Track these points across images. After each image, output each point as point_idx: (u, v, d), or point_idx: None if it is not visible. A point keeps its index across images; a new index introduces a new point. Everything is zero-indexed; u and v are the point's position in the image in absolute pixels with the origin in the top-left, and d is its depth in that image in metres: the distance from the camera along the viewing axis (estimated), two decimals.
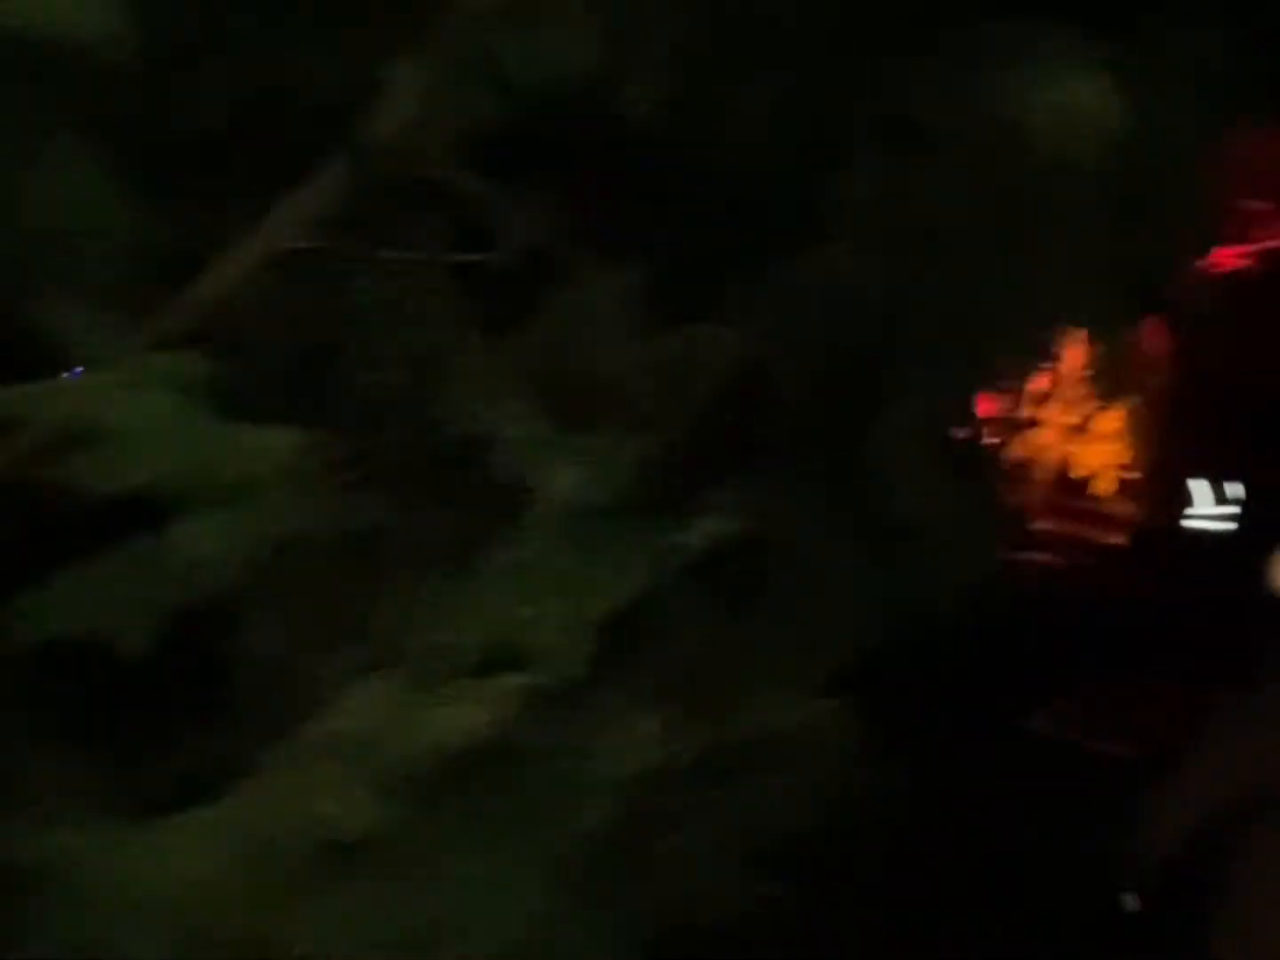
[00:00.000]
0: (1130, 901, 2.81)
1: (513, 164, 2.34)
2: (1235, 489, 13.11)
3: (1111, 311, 2.86)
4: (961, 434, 3.82)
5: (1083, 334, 14.48)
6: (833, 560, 2.96)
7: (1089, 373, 14.82)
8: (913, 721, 5.00)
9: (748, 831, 2.60)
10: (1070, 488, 15.19)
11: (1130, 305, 2.99)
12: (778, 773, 2.52)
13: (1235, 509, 12.74)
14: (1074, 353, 15.19)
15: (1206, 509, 13.42)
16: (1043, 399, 14.95)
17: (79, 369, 2.00)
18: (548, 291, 2.40)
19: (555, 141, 2.40)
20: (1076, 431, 14.94)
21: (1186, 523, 13.29)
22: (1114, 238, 2.69)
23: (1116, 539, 13.30)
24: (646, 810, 2.23)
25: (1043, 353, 4.04)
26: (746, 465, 2.79)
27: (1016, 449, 15.11)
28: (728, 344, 2.68)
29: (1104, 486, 14.67)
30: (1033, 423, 14.93)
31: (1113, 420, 14.76)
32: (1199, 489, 13.23)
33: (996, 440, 15.00)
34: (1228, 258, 13.91)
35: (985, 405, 15.34)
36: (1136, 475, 14.30)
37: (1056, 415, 15.08)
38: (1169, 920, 3.02)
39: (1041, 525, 14.23)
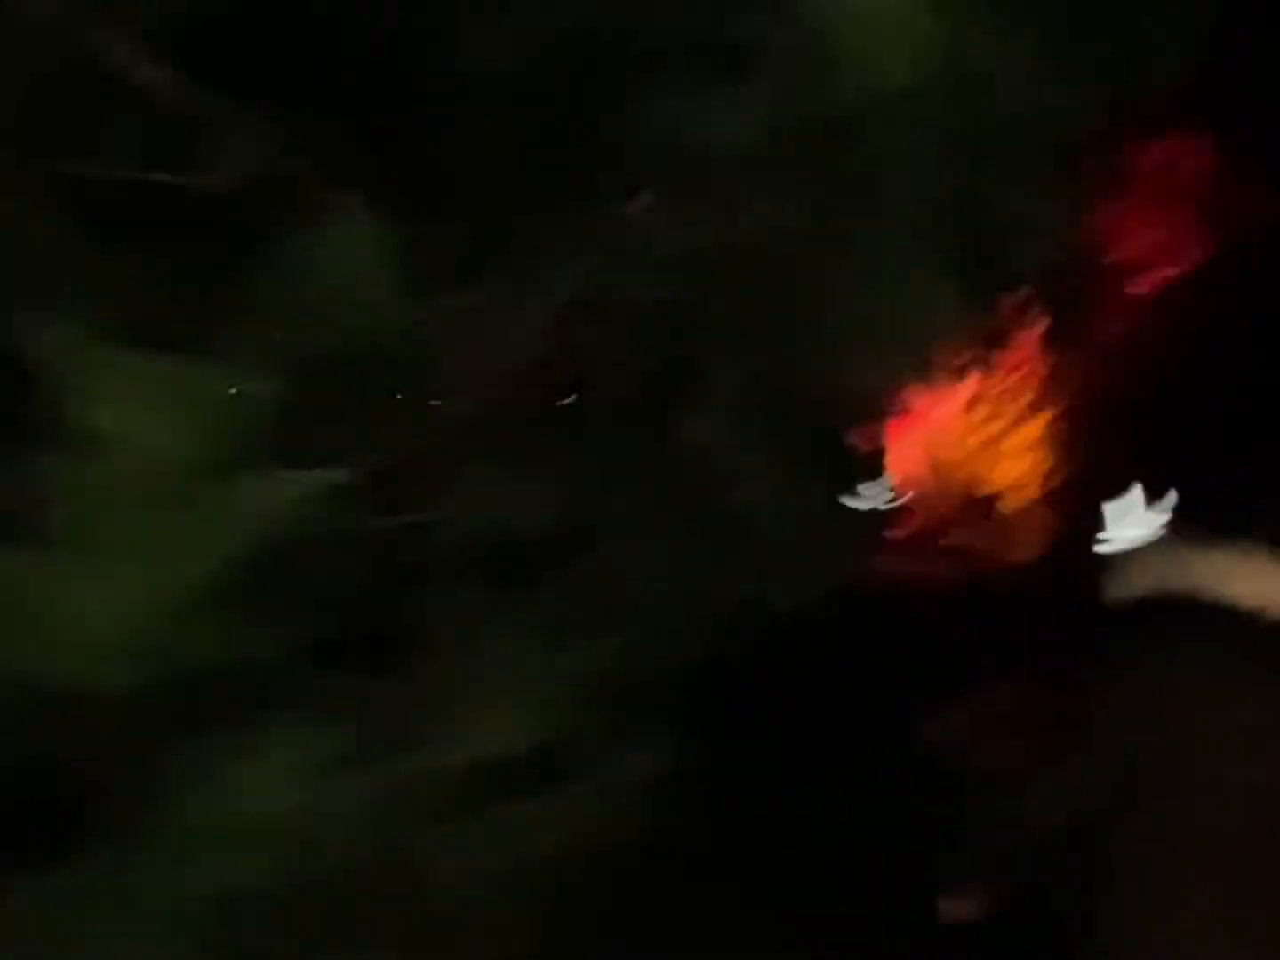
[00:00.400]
0: (956, 908, 2.61)
1: (241, 66, 1.97)
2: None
3: (951, 273, 2.56)
4: (817, 425, 3.47)
5: (998, 344, 14.48)
6: (640, 554, 2.63)
7: (1005, 385, 14.79)
8: (777, 735, 4.75)
9: (521, 863, 2.25)
10: (985, 501, 15.10)
11: (983, 273, 2.68)
12: (548, 797, 2.18)
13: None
14: (994, 369, 15.24)
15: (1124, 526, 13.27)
16: (960, 410, 14.85)
17: None
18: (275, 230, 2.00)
19: (297, 41, 2.03)
20: (992, 444, 14.85)
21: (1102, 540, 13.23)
22: (947, 188, 2.39)
23: (1027, 554, 13.18)
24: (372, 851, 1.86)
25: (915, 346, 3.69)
26: (536, 440, 2.45)
27: (933, 462, 15.06)
28: (516, 308, 2.32)
29: (1017, 501, 14.58)
30: (950, 433, 14.84)
31: (1029, 434, 14.69)
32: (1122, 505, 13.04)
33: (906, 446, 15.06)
34: (1144, 279, 13.96)
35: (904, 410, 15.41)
36: (1051, 490, 14.23)
37: (972, 430, 14.99)
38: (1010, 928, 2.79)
39: (955, 539, 14.15)
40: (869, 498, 9.62)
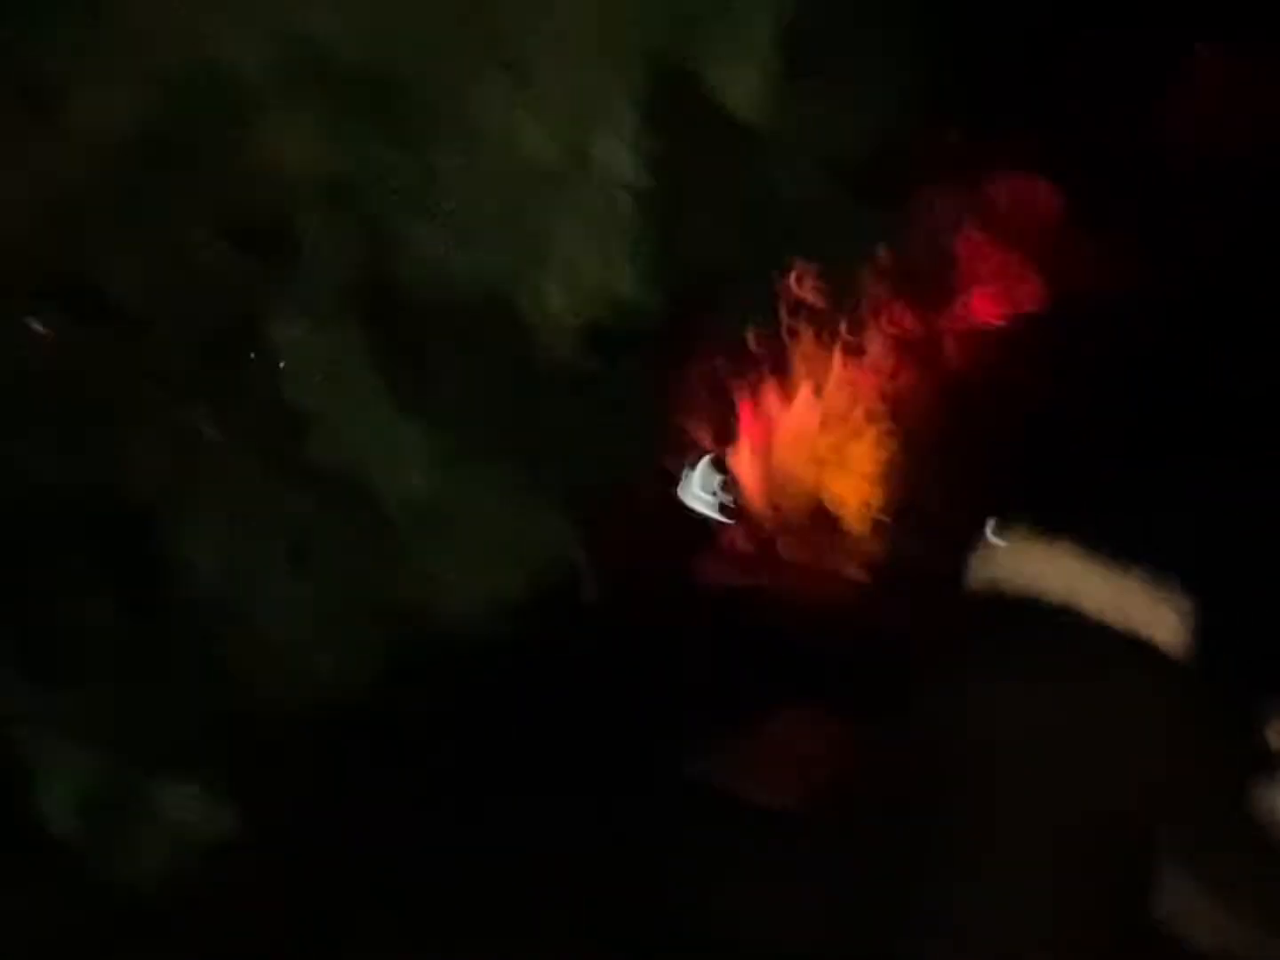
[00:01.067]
0: None
1: None
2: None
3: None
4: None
5: (844, 366, 14.67)
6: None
7: (845, 403, 15.05)
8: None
9: None
10: (823, 519, 15.33)
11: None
12: None
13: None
14: (837, 383, 15.52)
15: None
16: (805, 418, 15.02)
17: None
18: None
19: None
20: (831, 463, 15.07)
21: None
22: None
23: (861, 574, 13.42)
24: None
25: None
26: None
27: (774, 467, 15.23)
28: None
29: (856, 519, 14.84)
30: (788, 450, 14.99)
31: (867, 453, 14.97)
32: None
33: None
34: (987, 311, 14.41)
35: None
36: (887, 509, 14.53)
37: (815, 444, 15.18)
38: None
39: (789, 555, 14.32)
40: (697, 495, 9.59)
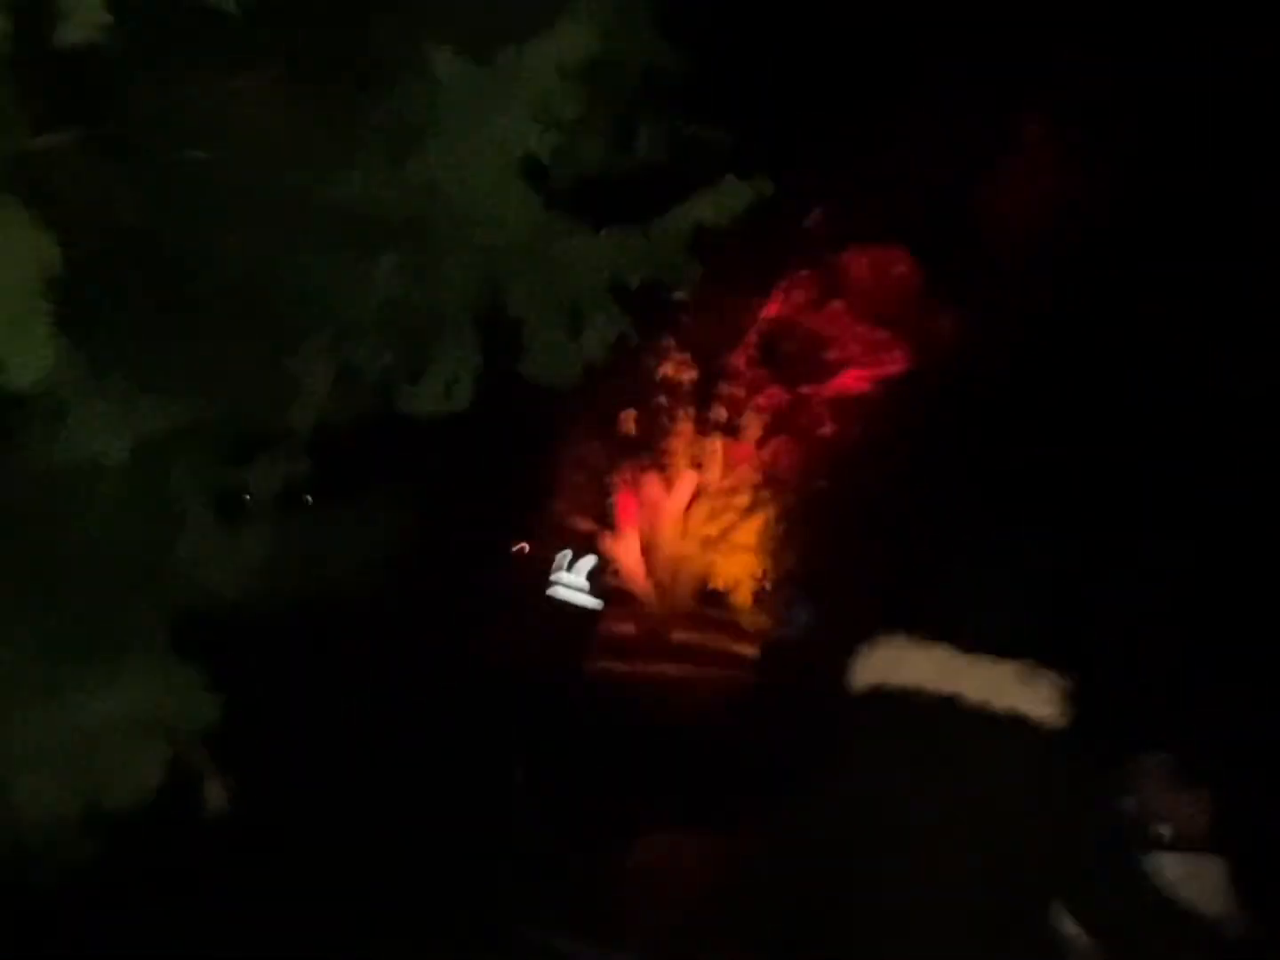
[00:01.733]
0: None
1: None
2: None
3: None
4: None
5: (721, 445, 14.62)
6: None
7: (729, 484, 15.02)
8: None
9: None
10: (710, 598, 15.13)
11: None
12: None
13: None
14: (715, 463, 15.49)
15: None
16: (685, 508, 14.89)
17: None
18: None
19: None
20: (717, 541, 14.95)
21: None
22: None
23: (750, 651, 13.22)
24: None
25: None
26: None
27: (657, 553, 15.02)
28: None
29: (743, 596, 14.69)
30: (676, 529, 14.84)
31: (751, 531, 14.90)
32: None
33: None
34: (854, 381, 14.65)
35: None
36: (769, 587, 14.41)
37: (698, 525, 15.05)
38: None
39: (681, 636, 14.05)
40: (571, 586, 9.11)
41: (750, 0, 13.12)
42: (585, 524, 14.38)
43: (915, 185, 13.60)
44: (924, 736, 2.23)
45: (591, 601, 9.18)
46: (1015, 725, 2.19)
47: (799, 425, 14.30)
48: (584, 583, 9.19)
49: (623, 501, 14.66)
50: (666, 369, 14.15)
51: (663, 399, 14.11)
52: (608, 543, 14.91)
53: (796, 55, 13.58)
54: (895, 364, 13.95)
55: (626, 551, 14.84)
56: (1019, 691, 2.21)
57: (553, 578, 9.30)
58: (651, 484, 14.86)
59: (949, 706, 2.22)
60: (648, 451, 14.15)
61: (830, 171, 14.30)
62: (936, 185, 13.61)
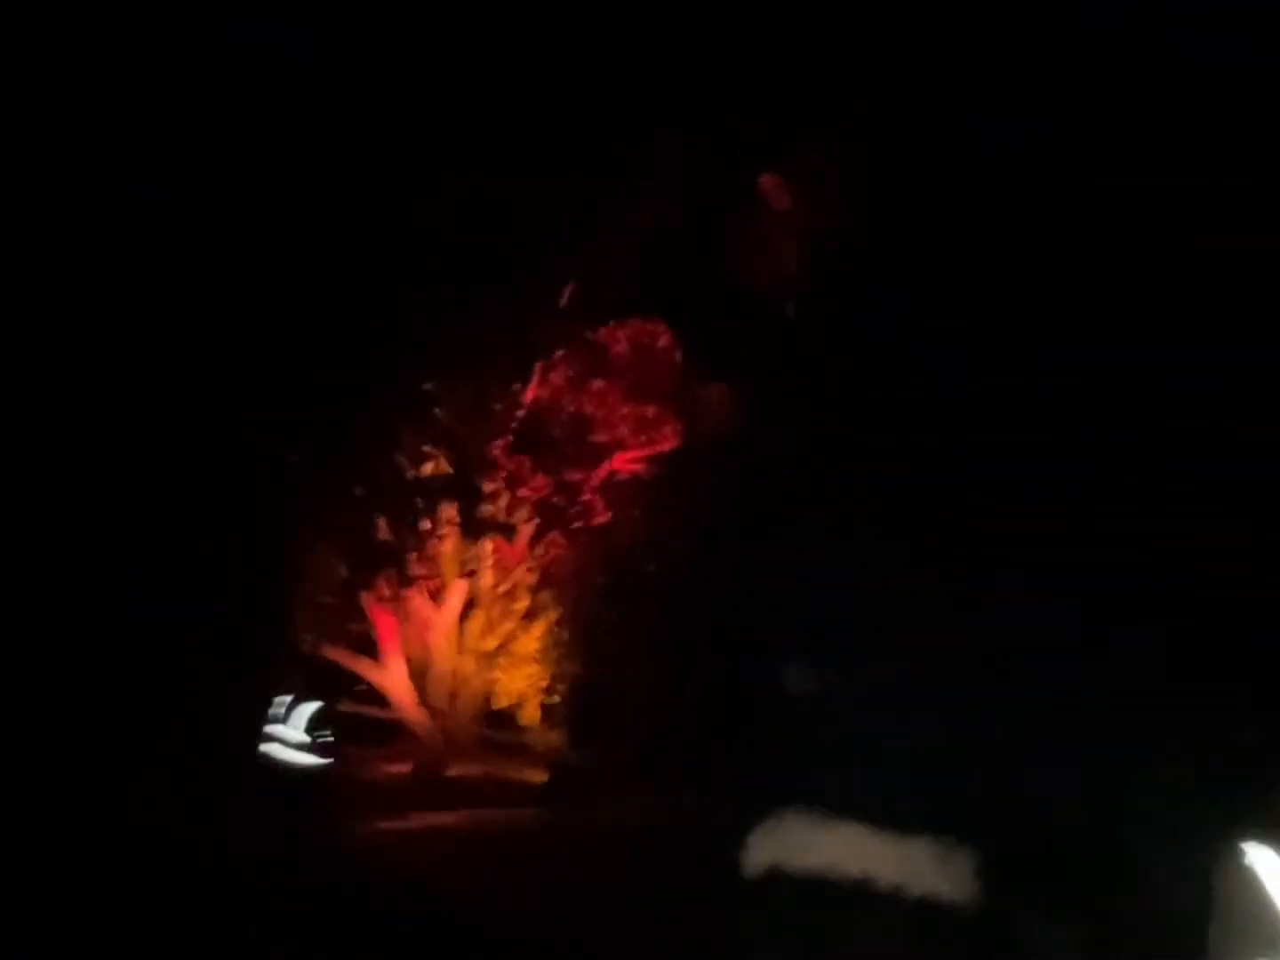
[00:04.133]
0: None
1: None
2: None
3: None
4: None
5: (492, 547, 13.16)
6: None
7: (505, 589, 13.56)
8: None
9: None
10: (494, 719, 13.54)
11: None
12: None
13: None
14: (490, 569, 13.98)
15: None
16: (451, 622, 13.31)
17: None
18: None
19: None
20: (497, 654, 13.42)
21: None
22: None
23: (541, 774, 11.67)
24: None
25: None
26: None
27: (431, 675, 13.32)
28: None
29: (531, 713, 13.18)
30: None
31: (533, 639, 13.45)
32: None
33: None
34: (625, 463, 13.61)
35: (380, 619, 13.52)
36: (557, 699, 12.97)
37: (474, 640, 13.49)
38: None
39: (461, 770, 12.37)
40: (286, 739, 7.05)
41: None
42: (334, 653, 12.58)
43: (659, 246, 12.85)
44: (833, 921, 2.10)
45: (309, 759, 7.33)
46: (930, 908, 2.06)
47: (571, 514, 13.06)
48: (301, 736, 7.36)
49: (381, 620, 12.95)
50: (420, 467, 12.67)
51: (418, 501, 12.59)
52: (369, 671, 13.13)
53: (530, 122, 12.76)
54: (667, 441, 12.98)
55: (392, 678, 13.09)
56: (933, 872, 2.10)
57: (267, 730, 7.47)
58: (415, 598, 13.23)
59: (863, 891, 2.09)
60: (400, 562, 12.54)
61: (578, 246, 13.46)
62: (680, 246, 12.93)
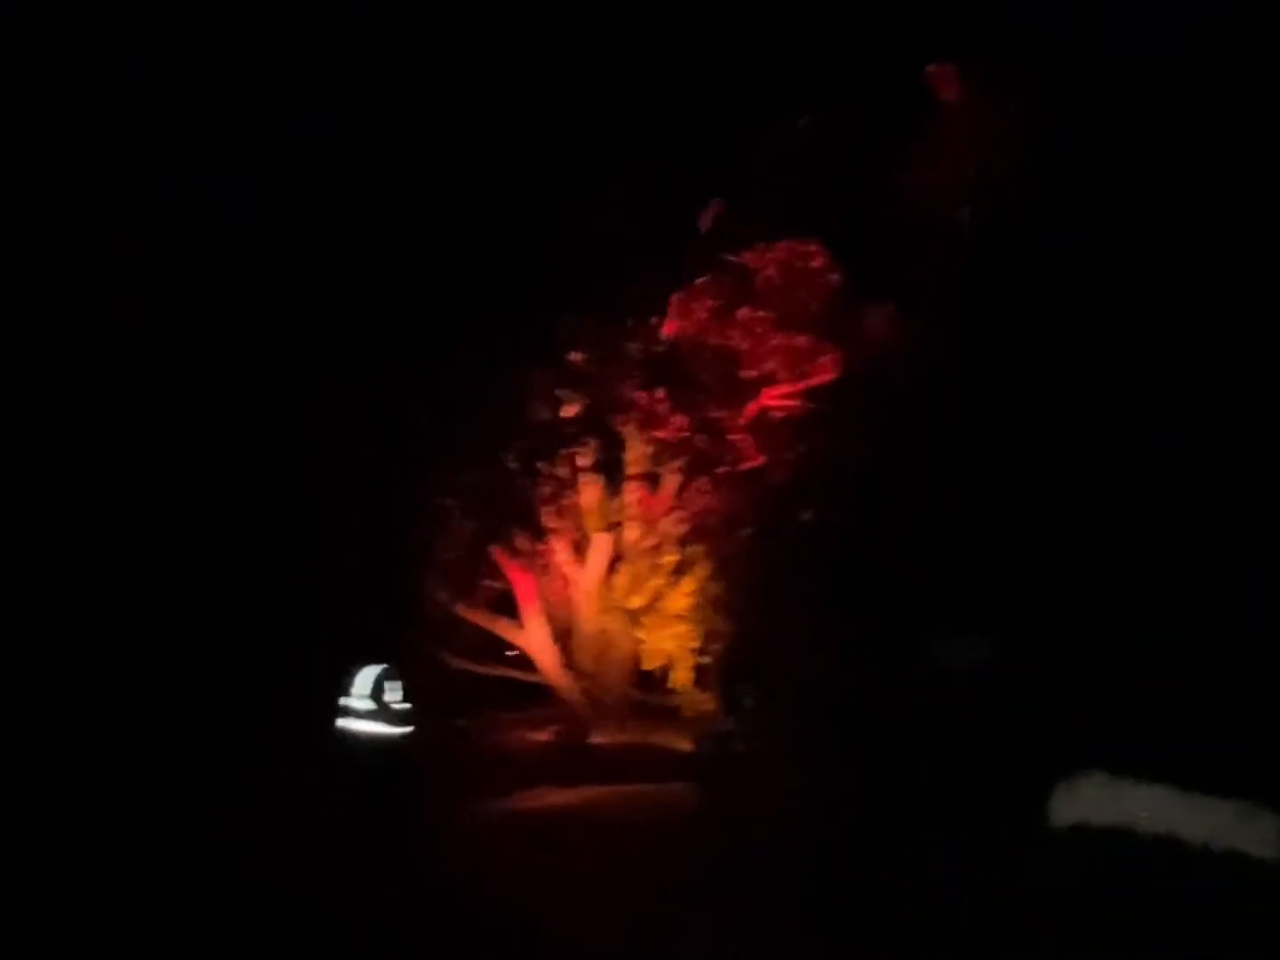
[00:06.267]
0: None
1: None
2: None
3: None
4: None
5: (637, 498, 12.06)
6: None
7: (651, 543, 12.50)
8: None
9: None
10: (644, 682, 12.55)
11: None
12: None
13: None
14: (635, 522, 12.90)
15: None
16: (595, 579, 12.36)
17: None
18: None
19: None
20: (644, 613, 12.39)
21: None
22: None
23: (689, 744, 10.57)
24: None
25: None
26: None
27: (576, 635, 12.41)
28: None
29: (681, 676, 12.11)
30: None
31: (683, 596, 12.35)
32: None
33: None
34: (776, 399, 12.29)
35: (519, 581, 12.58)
36: (710, 660, 11.85)
37: (620, 598, 12.50)
38: None
39: (607, 737, 11.43)
40: (358, 709, 6.13)
41: None
42: (469, 613, 11.79)
43: (812, 156, 11.44)
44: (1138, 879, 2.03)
45: (385, 729, 6.42)
46: (1238, 863, 2.03)
47: (719, 458, 11.85)
48: (369, 703, 6.48)
49: (518, 579, 12.09)
50: (552, 411, 11.71)
51: (550, 446, 11.64)
52: (508, 632, 12.32)
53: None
54: (824, 373, 11.59)
55: (533, 640, 12.26)
56: (1242, 831, 2.12)
57: (343, 703, 6.63)
58: (556, 554, 12.32)
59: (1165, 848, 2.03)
60: (532, 514, 11.62)
61: (718, 161, 12.17)
62: (836, 155, 11.48)
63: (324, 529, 9.42)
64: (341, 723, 6.77)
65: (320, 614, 8.69)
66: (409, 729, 6.90)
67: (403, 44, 11.91)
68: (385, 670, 6.94)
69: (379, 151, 11.74)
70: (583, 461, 11.93)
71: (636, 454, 12.07)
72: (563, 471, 12.00)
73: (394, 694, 6.89)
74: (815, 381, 11.61)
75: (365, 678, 6.83)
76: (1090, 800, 2.06)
